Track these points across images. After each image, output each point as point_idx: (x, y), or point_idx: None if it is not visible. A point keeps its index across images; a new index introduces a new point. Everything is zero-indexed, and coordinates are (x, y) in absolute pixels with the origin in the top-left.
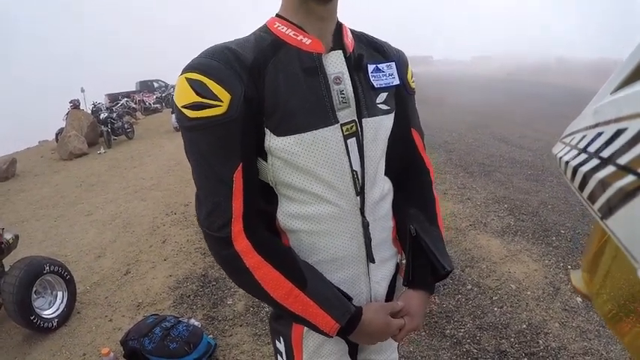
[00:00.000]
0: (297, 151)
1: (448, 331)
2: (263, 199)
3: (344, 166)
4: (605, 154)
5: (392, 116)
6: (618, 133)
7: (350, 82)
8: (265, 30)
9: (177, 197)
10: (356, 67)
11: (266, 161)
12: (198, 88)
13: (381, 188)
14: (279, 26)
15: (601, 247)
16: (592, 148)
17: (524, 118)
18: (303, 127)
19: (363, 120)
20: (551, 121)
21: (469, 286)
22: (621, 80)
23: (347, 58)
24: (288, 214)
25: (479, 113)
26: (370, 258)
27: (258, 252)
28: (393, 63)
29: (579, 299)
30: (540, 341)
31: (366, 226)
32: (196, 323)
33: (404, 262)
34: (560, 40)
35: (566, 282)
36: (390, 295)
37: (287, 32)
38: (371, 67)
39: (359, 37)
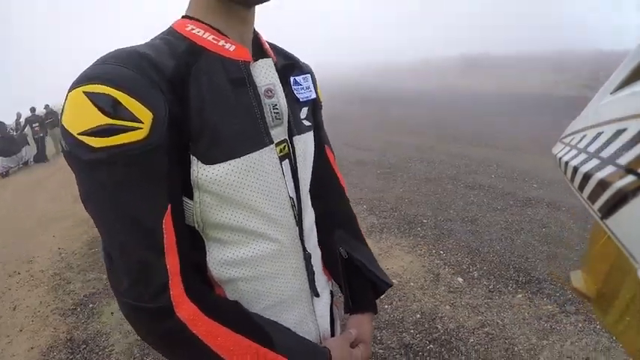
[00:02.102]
0: (231, 182)
1: None
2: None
3: (282, 193)
4: (605, 154)
5: (312, 133)
6: (618, 133)
7: (283, 94)
8: (174, 34)
9: (16, 253)
10: (283, 78)
11: (191, 199)
12: (106, 105)
13: (311, 213)
14: (193, 29)
15: (601, 248)
16: (592, 148)
17: (360, 120)
18: (238, 152)
19: (294, 138)
20: (382, 120)
21: None
22: (621, 80)
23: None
24: (221, 262)
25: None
26: (314, 292)
27: (208, 316)
28: (309, 75)
29: (460, 279)
30: (438, 326)
31: (308, 258)
32: None
33: (336, 289)
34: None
35: (443, 266)
36: (331, 328)
37: (205, 36)
38: (292, 80)
39: (273, 47)
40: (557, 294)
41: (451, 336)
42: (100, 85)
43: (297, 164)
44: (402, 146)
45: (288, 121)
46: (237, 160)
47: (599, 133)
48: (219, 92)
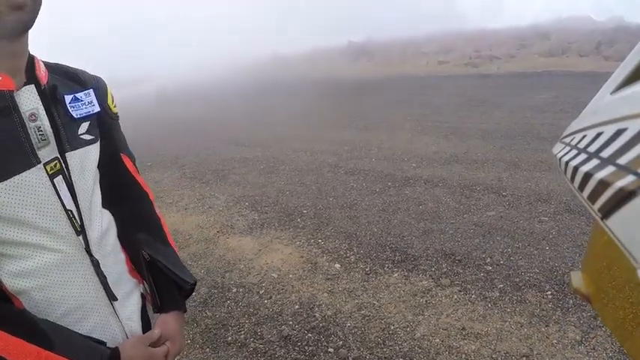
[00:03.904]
0: (2, 202)
1: (230, 337)
2: None
3: (56, 207)
4: (605, 154)
5: (97, 145)
6: (618, 133)
7: (46, 116)
8: None
9: None
10: (52, 99)
11: None
12: None
13: (100, 222)
14: None
15: (601, 248)
16: (592, 148)
17: (242, 115)
18: (3, 175)
19: (67, 155)
20: (266, 112)
21: (234, 289)
22: (621, 80)
23: (41, 92)
24: (11, 274)
25: (201, 120)
26: (111, 296)
27: None
28: (91, 90)
29: (337, 265)
30: (316, 314)
31: (96, 264)
32: None
33: (147, 290)
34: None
35: (321, 255)
36: (146, 328)
37: None
38: (68, 98)
39: (53, 68)
40: (433, 269)
41: (329, 322)
42: None
43: (73, 178)
44: (284, 138)
45: (59, 140)
46: (5, 182)
47: (599, 133)
48: None
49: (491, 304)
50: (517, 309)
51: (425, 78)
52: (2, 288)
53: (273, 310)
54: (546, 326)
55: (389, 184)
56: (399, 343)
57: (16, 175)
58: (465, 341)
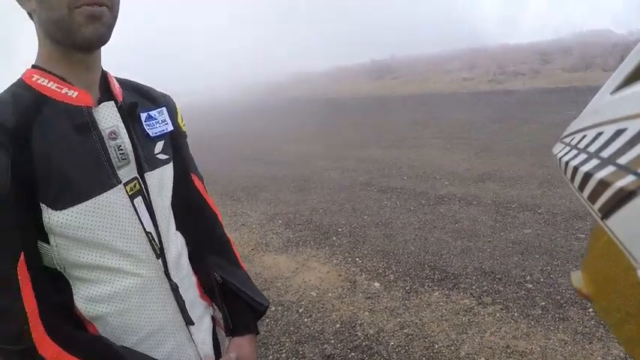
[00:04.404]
0: (82, 224)
1: (271, 356)
2: (52, 289)
3: (136, 229)
4: (605, 154)
5: (172, 165)
6: (618, 133)
7: (127, 135)
8: (22, 85)
9: None
10: (130, 117)
11: (48, 243)
12: None
13: (176, 244)
14: (38, 79)
15: (601, 248)
16: (592, 148)
17: (265, 133)
18: (85, 195)
19: (146, 175)
20: (290, 130)
21: (273, 308)
22: (621, 80)
23: (119, 109)
24: (87, 299)
25: (224, 137)
26: (188, 321)
27: (71, 353)
28: (164, 108)
29: (377, 284)
30: (358, 333)
31: (175, 288)
32: None
33: (218, 314)
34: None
35: (359, 273)
36: (216, 352)
37: (49, 86)
38: (143, 116)
39: (124, 83)
40: (473, 287)
41: (371, 341)
42: None
43: (152, 199)
44: (314, 156)
45: (138, 159)
46: (85, 203)
47: (599, 133)
48: (64, 139)
49: (534, 321)
50: (560, 326)
51: (450, 95)
52: (77, 313)
53: (313, 328)
54: (590, 343)
55: (423, 202)
56: None
57: (96, 196)
58: (510, 359)
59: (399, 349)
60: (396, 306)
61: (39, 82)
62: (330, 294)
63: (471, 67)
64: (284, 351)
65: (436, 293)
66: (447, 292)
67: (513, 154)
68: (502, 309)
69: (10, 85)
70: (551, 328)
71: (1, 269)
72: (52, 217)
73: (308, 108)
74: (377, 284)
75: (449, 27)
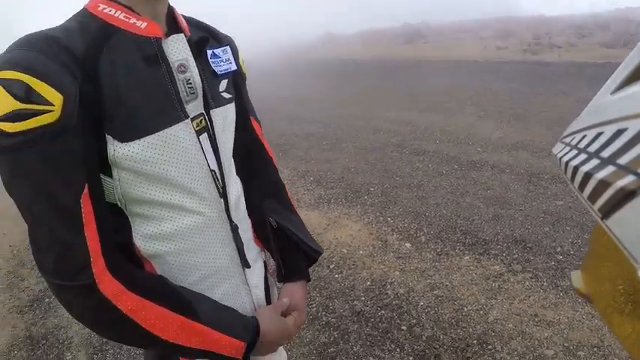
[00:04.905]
0: (148, 158)
1: None
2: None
3: (202, 166)
4: (605, 154)
5: (234, 105)
6: (618, 133)
7: (196, 69)
8: (87, 14)
9: None
10: (197, 52)
11: (111, 177)
12: (18, 90)
13: (236, 185)
14: (105, 8)
15: (601, 248)
16: (592, 148)
17: (298, 93)
18: (152, 128)
19: (212, 112)
20: (323, 91)
21: None
22: (621, 80)
23: (188, 42)
24: (147, 237)
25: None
26: (245, 263)
27: (132, 291)
28: (228, 47)
29: (408, 244)
30: (388, 292)
31: (235, 229)
32: None
33: (269, 259)
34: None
35: (391, 233)
36: (267, 297)
37: (117, 15)
38: (209, 53)
39: (189, 20)
40: (504, 254)
41: (401, 300)
42: (11, 72)
43: (217, 137)
44: (348, 117)
45: (205, 95)
46: (152, 136)
47: (600, 133)
48: (132, 70)
49: (562, 292)
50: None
51: (483, 63)
52: (134, 251)
53: (344, 285)
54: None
55: (455, 166)
56: (473, 325)
57: (163, 129)
58: (538, 328)
59: (429, 309)
60: (427, 267)
61: (105, 11)
62: (361, 252)
63: (506, 35)
64: (314, 305)
65: (467, 257)
66: (477, 257)
67: (546, 126)
68: (532, 277)
69: (72, 15)
70: (579, 300)
71: (64, 200)
72: (117, 150)
73: (340, 69)
74: (408, 245)
75: None
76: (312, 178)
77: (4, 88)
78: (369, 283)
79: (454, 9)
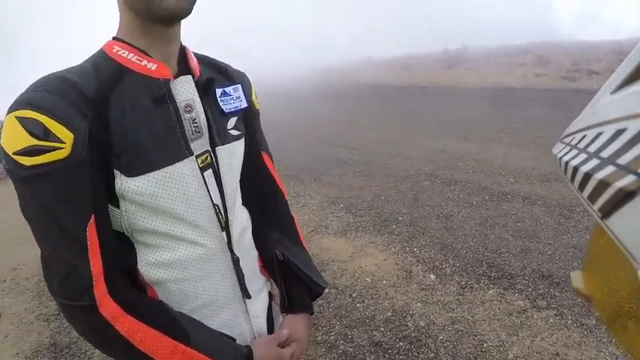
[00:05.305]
0: (152, 192)
1: (320, 337)
2: (118, 252)
3: (205, 201)
4: (605, 154)
5: (243, 141)
6: (618, 133)
7: (202, 109)
8: (102, 55)
9: (2, 261)
10: (205, 92)
11: (118, 208)
12: (33, 128)
13: (241, 218)
14: (119, 50)
15: (601, 248)
16: (592, 148)
17: (334, 117)
18: (157, 164)
19: (217, 149)
20: (363, 117)
21: (326, 290)
22: (621, 80)
23: (196, 83)
24: (150, 264)
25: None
26: (246, 294)
27: (129, 313)
28: (239, 85)
29: (432, 276)
30: (409, 323)
31: (236, 261)
32: None
33: (275, 289)
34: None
35: (416, 264)
36: (270, 326)
37: (129, 57)
38: (219, 92)
39: (202, 59)
40: (530, 289)
41: (421, 333)
42: (28, 111)
43: (221, 173)
44: (380, 142)
45: (211, 133)
46: (158, 172)
47: (599, 133)
48: (141, 109)
49: (587, 331)
50: (613, 340)
51: (521, 90)
52: (138, 277)
53: (365, 314)
54: None
55: (486, 197)
56: None
57: (168, 165)
58: None
59: (448, 343)
60: (450, 300)
61: (119, 53)
62: (384, 281)
63: (545, 62)
64: (333, 333)
65: (491, 291)
66: (501, 292)
67: None
68: (556, 315)
69: (90, 55)
70: (604, 340)
71: (72, 229)
72: (124, 184)
73: (377, 94)
74: (432, 276)
75: (523, 19)
76: (342, 205)
77: (22, 126)
78: (389, 313)
79: (495, 33)
